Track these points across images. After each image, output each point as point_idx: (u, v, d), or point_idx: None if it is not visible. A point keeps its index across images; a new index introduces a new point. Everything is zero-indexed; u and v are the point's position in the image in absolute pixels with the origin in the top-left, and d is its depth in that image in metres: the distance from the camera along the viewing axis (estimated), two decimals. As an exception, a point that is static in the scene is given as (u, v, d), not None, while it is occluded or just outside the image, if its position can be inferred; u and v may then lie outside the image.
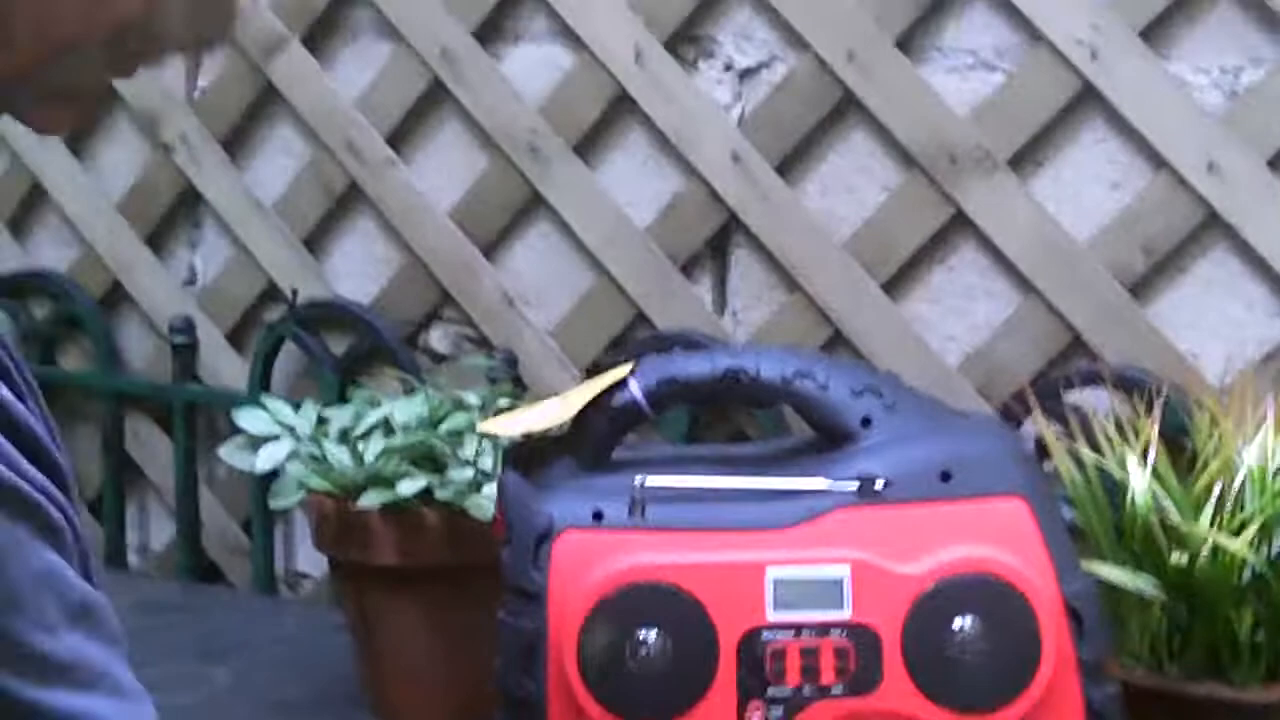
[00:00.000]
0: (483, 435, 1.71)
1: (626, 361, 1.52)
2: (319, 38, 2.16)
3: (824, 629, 1.39)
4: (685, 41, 2.00)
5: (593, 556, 1.42)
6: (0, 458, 0.92)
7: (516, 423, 1.56)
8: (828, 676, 1.38)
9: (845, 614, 1.39)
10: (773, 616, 1.39)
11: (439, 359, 2.11)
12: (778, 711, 1.39)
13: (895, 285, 1.93)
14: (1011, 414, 1.81)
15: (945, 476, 1.42)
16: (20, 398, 0.99)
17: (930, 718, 1.38)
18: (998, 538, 1.40)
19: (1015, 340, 1.88)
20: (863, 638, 1.38)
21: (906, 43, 1.92)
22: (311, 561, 2.21)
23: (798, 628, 1.39)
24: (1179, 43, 1.81)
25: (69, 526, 0.96)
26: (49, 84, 1.07)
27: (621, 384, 1.47)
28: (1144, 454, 1.58)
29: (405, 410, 1.81)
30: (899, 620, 1.38)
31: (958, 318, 1.91)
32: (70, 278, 2.33)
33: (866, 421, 1.45)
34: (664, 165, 2.03)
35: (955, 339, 1.91)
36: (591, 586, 1.40)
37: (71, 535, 0.97)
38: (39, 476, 0.94)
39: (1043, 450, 1.65)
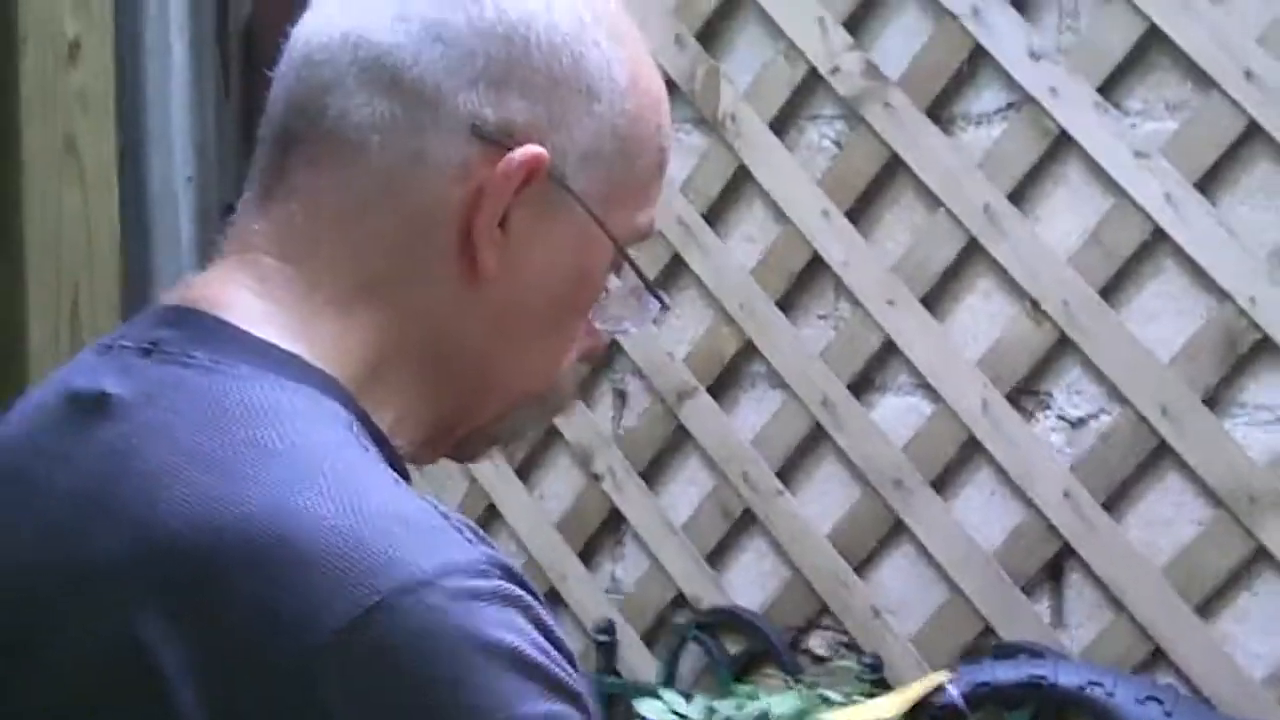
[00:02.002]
0: None
1: (952, 670, 1.67)
2: (722, 387, 2.24)
3: None
4: (1025, 395, 2.04)
5: None
6: (551, 660, 1.03)
7: (852, 716, 1.66)
8: None
9: None
10: None
11: (818, 660, 2.10)
12: None
13: (1207, 607, 1.91)
14: None
15: None
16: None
17: None
18: None
19: None
20: None
21: (1212, 399, 1.93)
22: None
23: None
24: None
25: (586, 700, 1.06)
26: (502, 431, 1.24)
27: (941, 687, 1.61)
28: None
29: (781, 704, 1.88)
30: None
31: (1263, 637, 1.89)
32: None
33: None
34: (1008, 499, 2.05)
35: (1261, 657, 1.88)
36: None
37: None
38: (566, 664, 1.04)
39: None
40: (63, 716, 1.12)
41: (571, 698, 1.04)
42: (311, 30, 1.15)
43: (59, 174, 2.30)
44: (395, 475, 1.09)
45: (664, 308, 1.21)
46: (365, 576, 1.00)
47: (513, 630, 1.01)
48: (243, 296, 1.15)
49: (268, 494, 1.04)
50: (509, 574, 1.04)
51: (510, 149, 1.11)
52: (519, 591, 1.03)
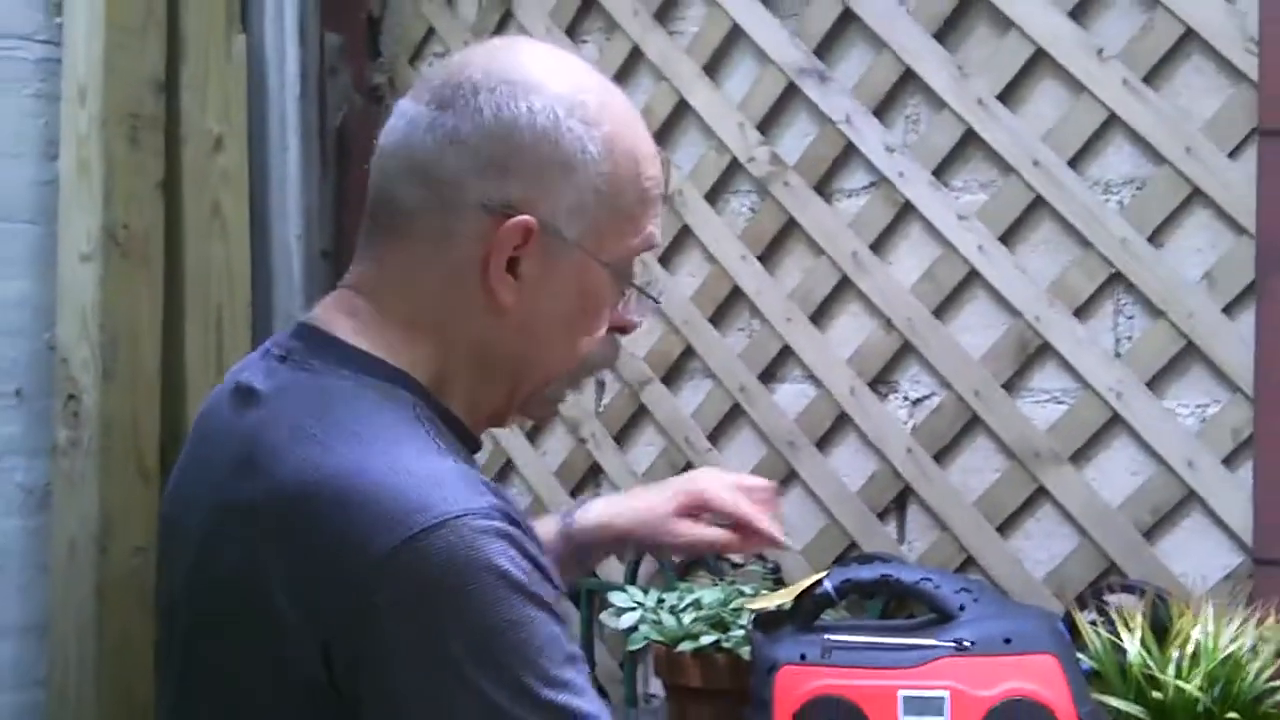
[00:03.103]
0: (748, 610, 1.73)
1: (828, 570, 1.63)
2: (670, 377, 2.21)
3: None
4: (880, 383, 2.02)
5: (799, 681, 1.51)
6: (539, 585, 1.09)
7: (761, 603, 1.64)
8: None
9: (946, 718, 1.48)
10: (905, 718, 1.49)
11: (736, 566, 2.09)
12: None
13: (1004, 528, 1.92)
14: (1082, 605, 1.75)
15: (1007, 641, 1.50)
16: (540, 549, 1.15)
17: None
18: (1038, 678, 1.47)
19: (1076, 567, 1.87)
20: None
21: (1009, 385, 1.91)
22: (655, 686, 2.18)
23: None
24: None
25: (566, 619, 1.14)
26: (551, 396, 1.30)
27: (820, 582, 1.59)
28: (1140, 632, 1.59)
29: (708, 595, 1.86)
30: None
31: (1042, 549, 1.90)
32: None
33: (962, 608, 1.54)
34: (868, 455, 2.02)
35: (1041, 562, 1.90)
36: (799, 697, 1.51)
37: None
38: (551, 590, 1.11)
39: (1078, 627, 1.61)
40: (205, 609, 1.19)
41: (543, 605, 1.09)
42: (384, 140, 1.23)
43: (209, 231, 2.32)
44: (440, 444, 1.14)
45: (656, 303, 1.26)
46: (405, 516, 1.06)
47: (505, 557, 1.07)
48: (342, 320, 1.22)
49: (342, 460, 1.10)
50: (508, 518, 1.10)
51: (510, 218, 1.15)
52: (514, 530, 1.09)
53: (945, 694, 1.47)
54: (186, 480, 1.25)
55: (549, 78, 1.17)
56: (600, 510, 1.59)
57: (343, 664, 1.08)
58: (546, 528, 1.55)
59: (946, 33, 1.97)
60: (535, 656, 1.07)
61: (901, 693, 1.47)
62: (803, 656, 1.51)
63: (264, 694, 1.14)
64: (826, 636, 1.52)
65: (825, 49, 2.08)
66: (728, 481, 1.58)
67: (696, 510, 1.55)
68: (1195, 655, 1.56)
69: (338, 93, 2.57)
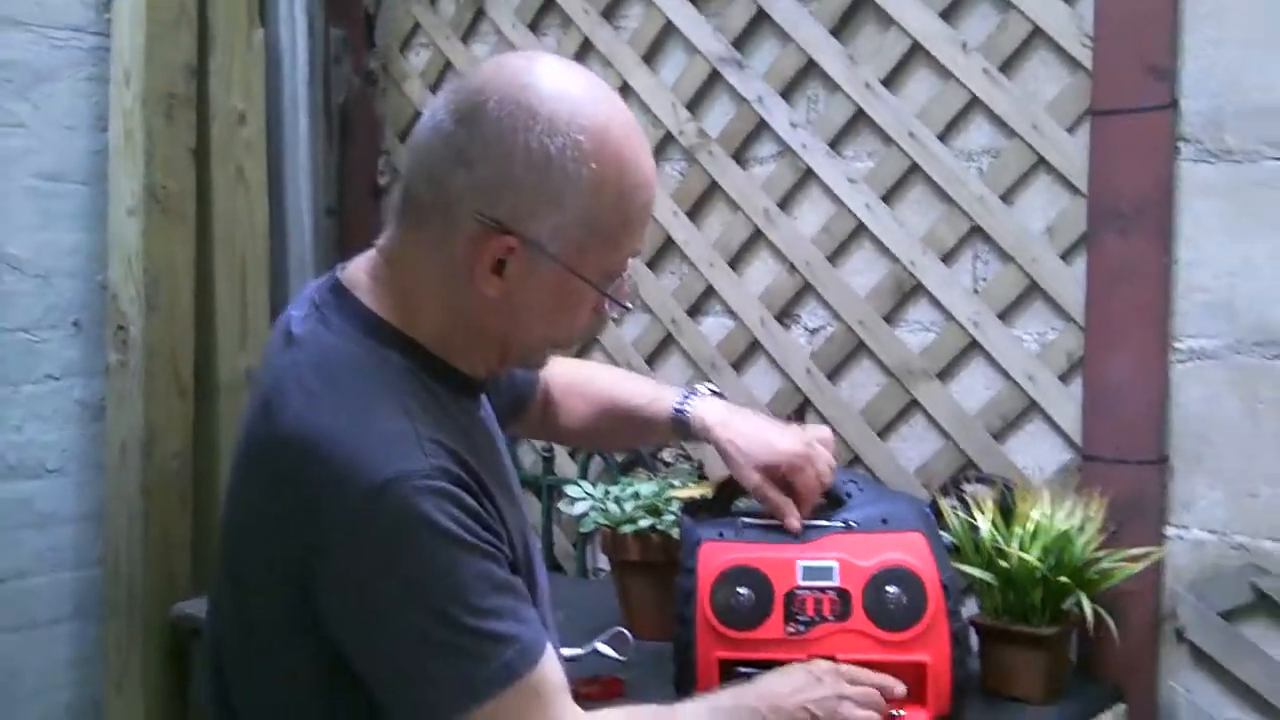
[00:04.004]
0: (677, 499, 1.71)
1: None
2: None
3: (824, 589, 1.45)
4: (785, 316, 2.02)
5: (718, 553, 1.48)
6: (468, 530, 1.08)
7: (687, 493, 1.65)
8: (826, 611, 1.45)
9: (835, 583, 1.46)
10: (801, 583, 1.46)
11: (667, 465, 2.09)
12: (801, 628, 1.45)
13: (883, 433, 1.91)
14: (945, 493, 1.75)
15: (884, 521, 1.48)
16: (484, 491, 1.13)
17: (873, 633, 1.44)
18: (909, 551, 1.46)
19: (940, 463, 1.87)
20: (843, 594, 1.45)
21: (888, 317, 1.90)
22: (602, 561, 2.16)
23: (813, 588, 1.46)
24: None
25: (503, 552, 1.12)
26: (544, 357, 1.28)
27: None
28: (991, 514, 1.62)
29: (645, 488, 1.85)
30: (860, 586, 1.45)
31: (914, 450, 1.90)
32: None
33: (849, 495, 1.51)
34: (776, 375, 1.99)
35: (912, 460, 1.90)
36: (717, 567, 1.47)
37: (507, 555, 1.13)
38: (482, 531, 1.09)
39: (941, 512, 1.62)
40: (230, 517, 1.19)
41: (473, 549, 1.07)
42: (416, 136, 1.18)
43: (233, 191, 2.29)
44: (413, 405, 1.11)
45: (627, 309, 1.25)
46: (361, 474, 1.05)
47: (442, 512, 1.06)
48: (365, 281, 1.20)
49: (324, 419, 1.09)
50: (446, 475, 1.08)
51: (496, 234, 1.12)
52: (452, 488, 1.07)
53: (835, 563, 1.46)
54: (248, 403, 1.23)
55: (553, 112, 1.10)
56: (718, 420, 1.49)
57: (311, 586, 1.09)
58: (656, 397, 1.50)
59: (841, 28, 1.97)
60: (462, 591, 1.06)
61: (800, 562, 1.46)
62: (721, 534, 1.50)
63: (264, 595, 1.14)
64: (740, 519, 1.51)
65: (742, 42, 2.06)
66: (821, 469, 1.49)
67: (780, 475, 1.47)
68: (1035, 532, 1.58)
69: (340, 77, 2.54)
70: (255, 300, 2.29)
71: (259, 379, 1.20)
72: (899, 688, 1.38)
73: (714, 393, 1.54)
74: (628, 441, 1.61)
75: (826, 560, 1.47)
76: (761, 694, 1.29)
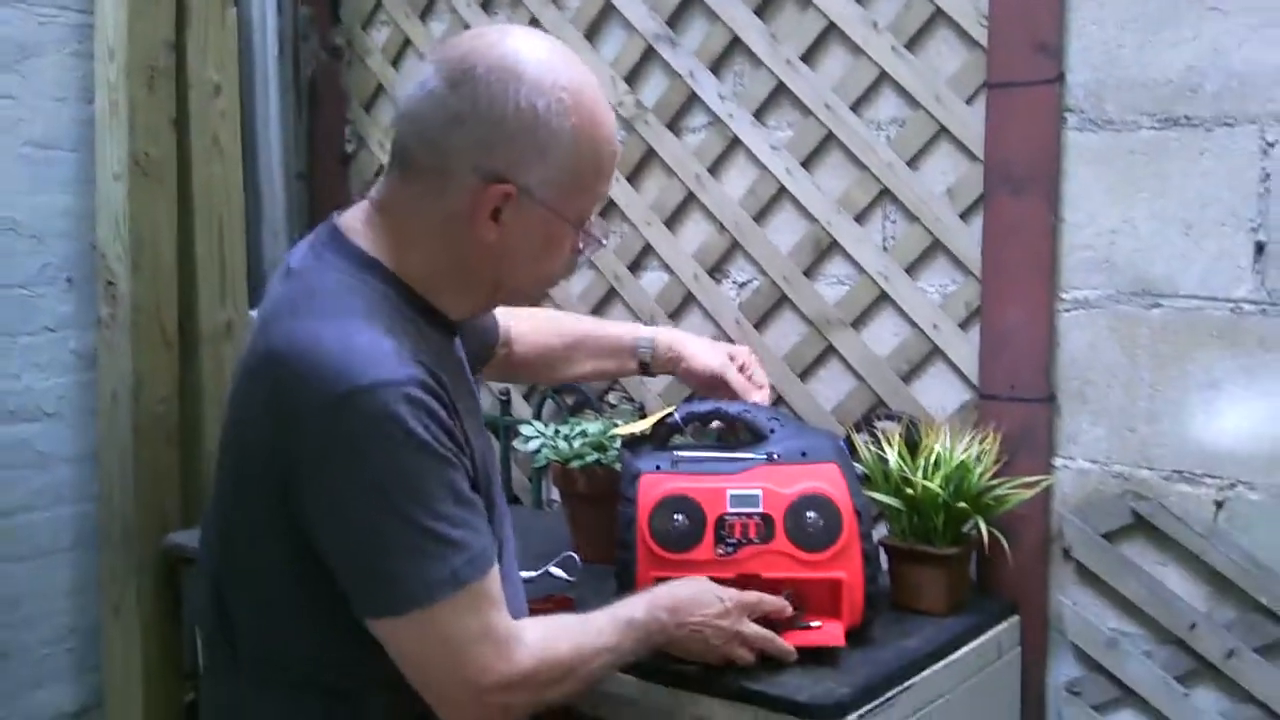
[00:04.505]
0: (618, 435, 1.67)
1: (675, 406, 1.61)
2: None
3: (750, 515, 1.46)
4: (716, 271, 2.00)
5: (656, 484, 1.49)
6: (438, 441, 1.08)
7: (628, 430, 1.62)
8: (752, 534, 1.45)
9: (759, 509, 1.46)
10: (730, 509, 1.46)
11: (612, 406, 2.10)
12: (729, 549, 1.45)
13: (803, 376, 1.92)
14: (858, 429, 1.80)
15: (804, 454, 1.49)
16: (455, 413, 1.13)
17: (794, 553, 1.44)
18: (826, 480, 1.46)
19: (854, 402, 1.87)
20: (767, 519, 1.45)
21: (808, 272, 1.90)
22: (554, 494, 2.14)
23: (740, 514, 1.46)
24: None
25: (466, 467, 1.12)
26: (528, 297, 1.28)
27: (670, 415, 1.58)
28: (898, 447, 1.64)
29: (591, 427, 1.86)
30: (782, 512, 1.45)
31: (830, 391, 1.90)
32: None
33: (772, 431, 1.52)
34: (709, 324, 1.99)
35: (827, 400, 1.90)
36: (655, 496, 1.48)
37: (470, 472, 1.13)
38: (450, 444, 1.10)
39: (854, 445, 1.64)
40: (228, 427, 1.19)
41: (442, 458, 1.07)
42: (405, 104, 1.17)
43: (210, 157, 2.24)
44: (393, 325, 1.11)
45: (602, 244, 1.26)
46: (341, 379, 1.06)
47: (413, 418, 1.05)
48: (359, 227, 1.20)
49: (308, 333, 1.09)
50: (423, 386, 1.08)
51: (494, 183, 1.14)
52: (426, 397, 1.07)
53: (760, 491, 1.47)
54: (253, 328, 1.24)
55: (537, 75, 1.14)
56: (677, 337, 1.66)
57: (291, 484, 1.09)
58: (618, 334, 1.65)
59: (764, 9, 1.95)
60: (424, 495, 1.06)
61: (729, 490, 1.47)
62: (658, 467, 1.50)
63: (253, 501, 1.14)
64: (675, 453, 1.52)
65: (675, 21, 2.04)
66: (751, 359, 1.69)
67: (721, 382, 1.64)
68: (937, 462, 1.60)
69: (308, 52, 2.50)
70: (232, 258, 2.25)
71: (260, 310, 1.21)
72: (788, 609, 1.40)
73: None
74: (594, 367, 1.63)
75: (752, 489, 1.47)
76: (672, 608, 1.30)
